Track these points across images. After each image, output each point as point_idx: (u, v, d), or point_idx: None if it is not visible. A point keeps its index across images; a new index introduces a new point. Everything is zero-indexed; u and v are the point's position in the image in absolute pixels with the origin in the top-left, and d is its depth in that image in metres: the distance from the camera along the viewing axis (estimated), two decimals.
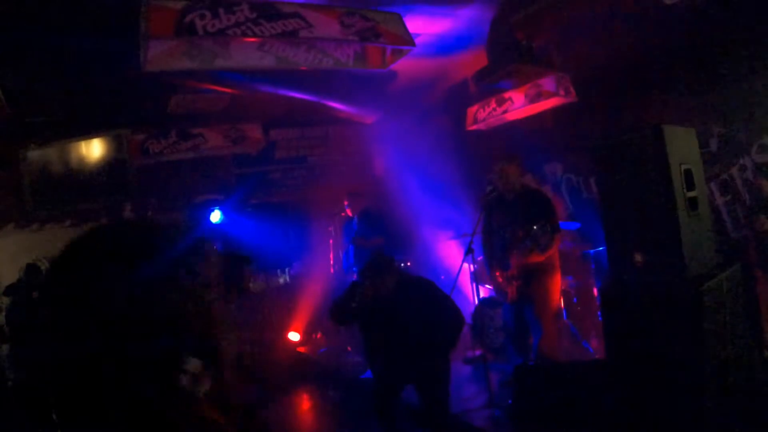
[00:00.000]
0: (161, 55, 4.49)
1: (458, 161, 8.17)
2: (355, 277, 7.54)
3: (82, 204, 8.77)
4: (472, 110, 7.66)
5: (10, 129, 7.41)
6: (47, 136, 8.09)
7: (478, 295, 5.76)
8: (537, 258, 4.85)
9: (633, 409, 3.26)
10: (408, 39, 4.96)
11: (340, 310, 4.60)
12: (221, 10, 4.20)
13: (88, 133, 8.41)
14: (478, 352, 6.15)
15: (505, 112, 7.12)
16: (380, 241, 7.36)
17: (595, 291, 6.16)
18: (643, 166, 3.32)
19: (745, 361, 3.41)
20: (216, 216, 8.75)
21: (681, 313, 3.08)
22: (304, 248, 9.58)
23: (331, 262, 8.72)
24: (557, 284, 5.18)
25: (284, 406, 6.45)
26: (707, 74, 5.40)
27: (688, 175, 3.32)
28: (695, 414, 2.95)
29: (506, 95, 7.02)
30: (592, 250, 6.33)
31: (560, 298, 5.65)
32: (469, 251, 5.31)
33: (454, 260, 7.42)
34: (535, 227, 4.70)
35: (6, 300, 6.70)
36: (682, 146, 3.41)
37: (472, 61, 7.03)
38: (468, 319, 5.45)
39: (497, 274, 5.27)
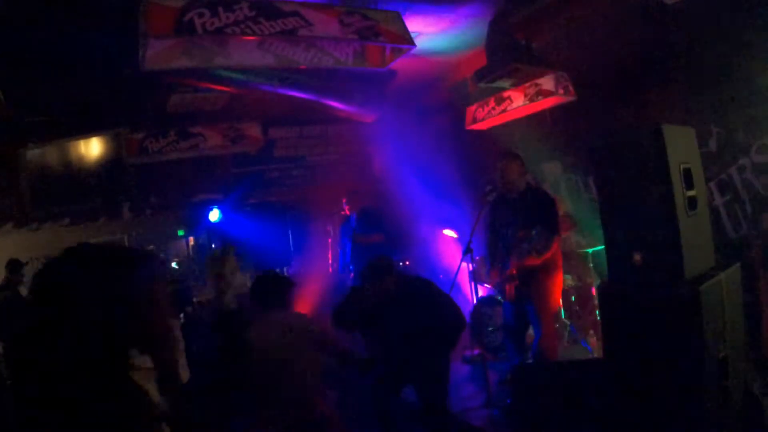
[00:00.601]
0: (160, 53, 4.47)
1: (457, 160, 8.18)
2: (351, 276, 7.55)
3: (81, 203, 8.78)
4: (471, 109, 7.66)
5: (9, 128, 7.40)
6: (46, 135, 8.08)
7: (476, 294, 5.76)
8: (533, 261, 4.83)
9: (631, 408, 3.26)
10: (407, 38, 4.96)
11: (345, 317, 4.54)
12: (221, 9, 4.18)
13: (86, 133, 8.40)
14: (476, 352, 6.16)
15: (504, 111, 7.11)
16: (380, 238, 7.36)
17: (594, 290, 6.17)
18: (642, 166, 3.32)
19: (745, 361, 3.41)
20: (214, 215, 8.75)
21: (680, 312, 3.07)
22: (302, 247, 9.59)
23: (330, 261, 8.72)
24: (558, 284, 5.14)
25: None
26: (707, 74, 5.40)
27: (687, 174, 3.32)
28: (694, 414, 2.95)
29: (505, 94, 7.02)
30: (591, 249, 6.34)
31: (560, 298, 5.63)
32: (467, 250, 5.30)
33: (452, 259, 7.43)
34: (533, 231, 4.68)
35: None
36: (682, 146, 3.41)
37: (471, 60, 7.04)
38: (467, 318, 5.45)
39: (495, 273, 5.26)
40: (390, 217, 7.84)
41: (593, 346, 5.91)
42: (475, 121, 7.61)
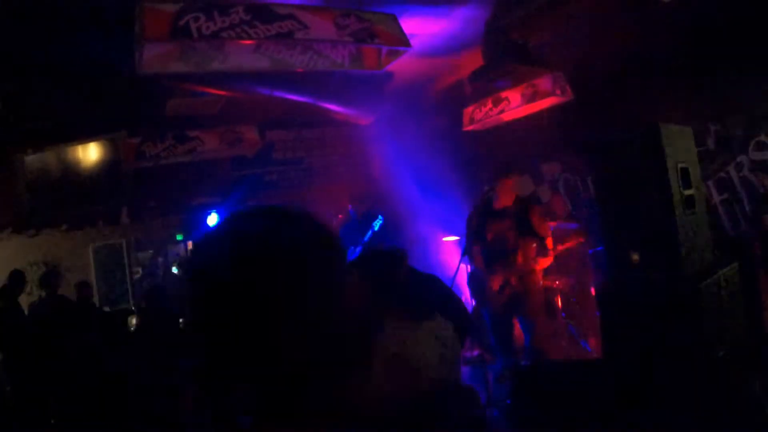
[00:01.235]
0: (156, 58, 4.47)
1: (455, 162, 8.17)
2: None
3: (79, 208, 8.77)
4: (468, 111, 7.65)
5: (7, 134, 7.40)
6: (44, 140, 8.08)
7: (473, 296, 5.75)
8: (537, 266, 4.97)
9: (631, 407, 3.26)
10: (404, 40, 4.95)
11: None
12: (216, 13, 4.18)
13: (84, 138, 8.40)
14: (476, 353, 6.15)
15: (501, 112, 7.11)
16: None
17: (593, 290, 6.16)
18: (640, 165, 3.32)
19: (745, 359, 3.40)
20: (213, 219, 8.74)
21: (679, 311, 3.07)
22: None
23: None
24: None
25: None
26: (704, 72, 5.40)
27: (684, 173, 3.32)
28: (694, 413, 2.95)
29: (503, 95, 7.01)
30: (590, 249, 6.34)
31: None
32: (466, 252, 5.30)
33: (451, 261, 7.42)
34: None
35: None
36: (679, 145, 3.41)
37: (467, 61, 7.03)
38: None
39: (496, 281, 5.25)
40: (389, 218, 7.82)
41: (593, 345, 5.90)
42: (472, 122, 7.60)
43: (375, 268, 3.17)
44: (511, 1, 5.79)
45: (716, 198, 5.47)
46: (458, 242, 7.63)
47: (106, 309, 9.02)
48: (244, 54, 4.73)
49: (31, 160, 8.34)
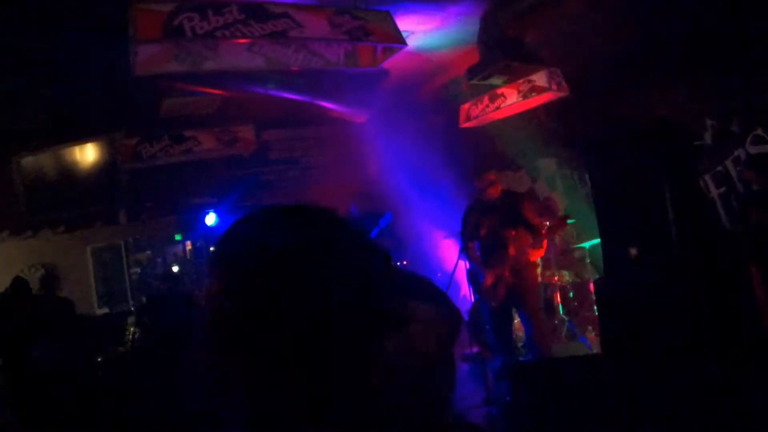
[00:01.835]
0: (150, 58, 4.46)
1: (452, 159, 8.16)
2: None
3: (77, 210, 8.75)
4: (465, 107, 7.63)
5: (3, 136, 7.38)
6: (40, 142, 8.06)
7: (474, 292, 5.75)
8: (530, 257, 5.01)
9: (630, 403, 3.25)
10: (398, 37, 4.94)
11: None
12: (210, 12, 4.16)
13: (80, 139, 8.38)
14: (475, 350, 6.14)
15: (498, 108, 7.09)
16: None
17: (591, 286, 6.15)
18: (637, 161, 3.32)
19: (743, 356, 3.40)
20: (211, 219, 8.73)
21: (677, 307, 3.07)
22: None
23: None
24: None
25: None
26: (701, 67, 5.38)
27: (681, 168, 3.32)
28: (692, 410, 2.94)
29: (499, 91, 7.00)
30: (587, 245, 6.34)
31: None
32: (464, 248, 5.31)
33: (450, 258, 7.41)
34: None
35: None
36: (676, 139, 3.41)
37: (463, 58, 7.01)
38: (465, 316, 5.44)
39: (490, 275, 5.26)
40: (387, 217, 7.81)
41: (592, 341, 5.90)
42: (469, 118, 7.59)
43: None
44: None
45: (714, 192, 5.46)
46: (456, 239, 7.61)
47: (105, 310, 9.02)
48: (238, 53, 4.72)
49: (28, 161, 8.32)
